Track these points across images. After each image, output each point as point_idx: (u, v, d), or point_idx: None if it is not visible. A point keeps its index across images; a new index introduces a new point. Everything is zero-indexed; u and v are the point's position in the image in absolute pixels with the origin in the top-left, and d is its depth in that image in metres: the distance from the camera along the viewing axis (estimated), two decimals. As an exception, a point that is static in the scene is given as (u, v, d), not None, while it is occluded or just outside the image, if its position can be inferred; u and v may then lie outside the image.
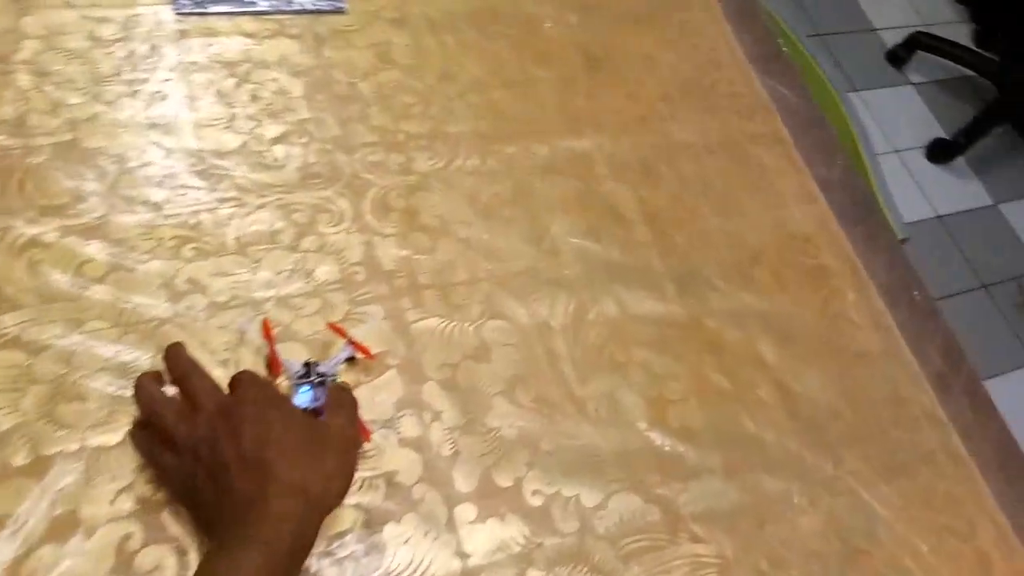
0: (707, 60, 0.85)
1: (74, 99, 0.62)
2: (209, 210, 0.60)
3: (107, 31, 0.65)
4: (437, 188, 0.67)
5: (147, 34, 0.66)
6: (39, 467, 0.48)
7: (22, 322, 0.52)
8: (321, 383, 0.52)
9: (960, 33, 2.31)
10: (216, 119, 0.64)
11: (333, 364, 0.54)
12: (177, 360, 0.51)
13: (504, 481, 0.56)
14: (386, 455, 0.54)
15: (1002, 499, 0.67)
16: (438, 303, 0.61)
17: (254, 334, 0.55)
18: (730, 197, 0.76)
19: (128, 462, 0.49)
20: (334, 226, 0.62)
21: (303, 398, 0.52)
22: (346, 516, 0.51)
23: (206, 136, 0.63)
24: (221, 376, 0.53)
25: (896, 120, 2.10)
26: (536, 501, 0.56)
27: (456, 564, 0.52)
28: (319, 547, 0.49)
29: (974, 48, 2.26)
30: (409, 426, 0.56)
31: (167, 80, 0.65)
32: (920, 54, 2.16)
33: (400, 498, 0.53)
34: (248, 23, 0.69)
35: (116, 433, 0.50)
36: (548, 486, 0.56)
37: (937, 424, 0.70)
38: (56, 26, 0.64)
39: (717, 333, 0.67)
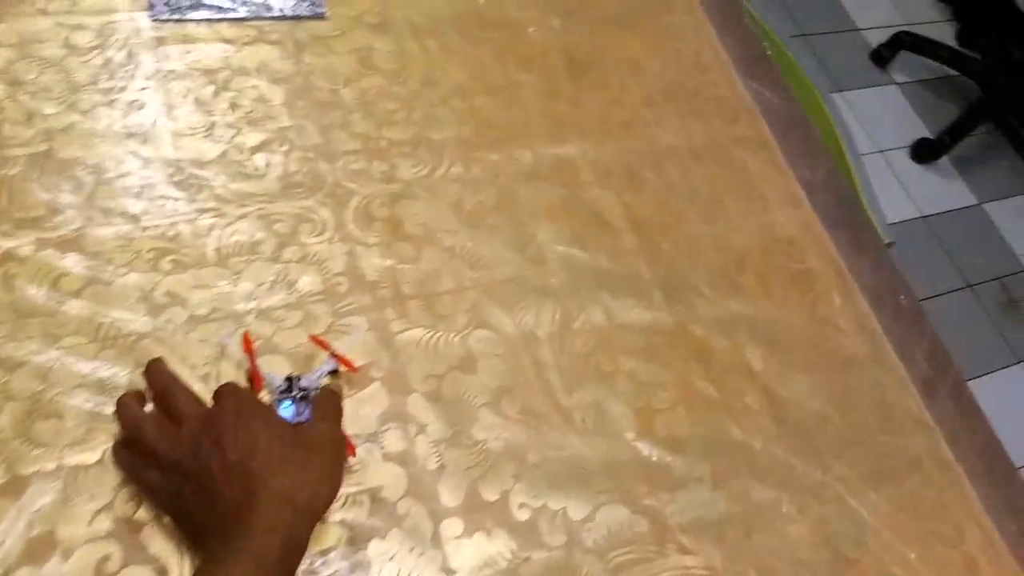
0: (691, 64, 0.85)
1: (49, 109, 0.61)
2: (188, 221, 0.59)
3: (83, 39, 0.65)
4: (421, 196, 0.66)
5: (124, 41, 0.65)
6: (15, 487, 0.47)
7: (-3, 338, 0.51)
8: (303, 398, 0.52)
9: (943, 32, 2.32)
10: (195, 128, 0.63)
11: (315, 378, 0.54)
12: (157, 376, 0.50)
13: (490, 495, 0.55)
14: (370, 470, 0.54)
15: (989, 504, 0.67)
16: (423, 313, 0.61)
17: (235, 348, 0.55)
18: (715, 202, 0.76)
19: (107, 481, 0.48)
20: (316, 236, 0.61)
21: (285, 413, 0.52)
22: (330, 533, 0.51)
23: (185, 145, 0.62)
24: (202, 390, 0.52)
25: (880, 120, 2.11)
26: (523, 515, 0.55)
27: (442, 580, 0.52)
28: (304, 565, 0.48)
29: (957, 48, 2.28)
30: (394, 440, 0.55)
31: (144, 88, 0.64)
32: (904, 54, 2.18)
33: (385, 514, 0.53)
34: (227, 29, 0.69)
35: (94, 451, 0.49)
36: (535, 499, 0.56)
37: (924, 429, 0.70)
38: (30, 34, 0.64)
39: (704, 340, 0.67)
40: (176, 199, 0.60)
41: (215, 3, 0.69)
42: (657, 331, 0.66)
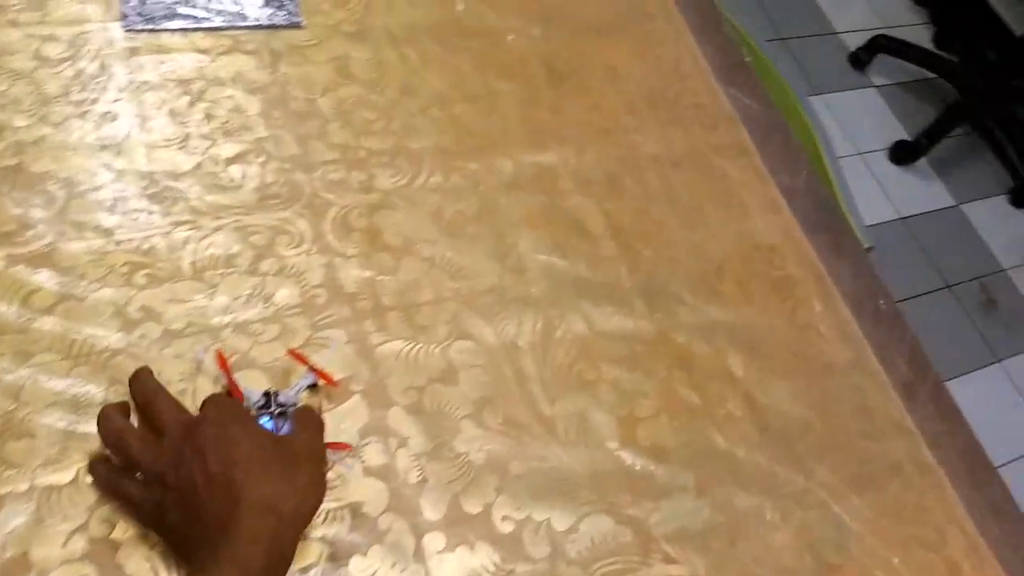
0: (671, 71, 0.85)
1: (20, 121, 0.60)
2: (163, 234, 0.58)
3: (54, 50, 0.64)
4: (400, 206, 0.66)
5: (96, 52, 0.65)
6: (-13, 509, 0.46)
7: (-34, 357, 0.50)
8: (282, 413, 0.52)
9: (920, 35, 2.35)
10: (169, 139, 0.63)
11: (294, 393, 0.53)
12: (141, 387, 0.50)
13: (473, 508, 0.55)
14: (351, 485, 0.53)
15: (971, 507, 0.68)
16: (402, 325, 0.61)
17: (210, 363, 0.54)
18: (695, 209, 0.76)
19: (81, 502, 0.48)
20: (294, 248, 0.61)
21: None
22: (311, 550, 0.50)
23: (159, 157, 0.62)
24: (178, 407, 0.52)
25: (859, 122, 2.13)
26: (506, 527, 0.55)
27: (425, 595, 0.51)
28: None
29: (934, 50, 2.30)
30: (374, 454, 0.55)
31: (117, 100, 0.63)
32: (881, 56, 2.20)
33: (366, 529, 0.52)
34: (201, 39, 0.68)
35: (68, 471, 0.48)
36: (518, 511, 0.56)
37: (905, 433, 0.71)
38: (0, 45, 0.63)
39: (686, 348, 0.67)
40: (150, 212, 0.59)
41: (189, 13, 0.69)
42: (639, 339, 0.66)
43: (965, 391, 1.72)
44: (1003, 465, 1.58)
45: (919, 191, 2.09)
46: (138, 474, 0.46)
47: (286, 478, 0.45)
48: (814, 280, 0.76)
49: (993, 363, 1.87)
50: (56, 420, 0.50)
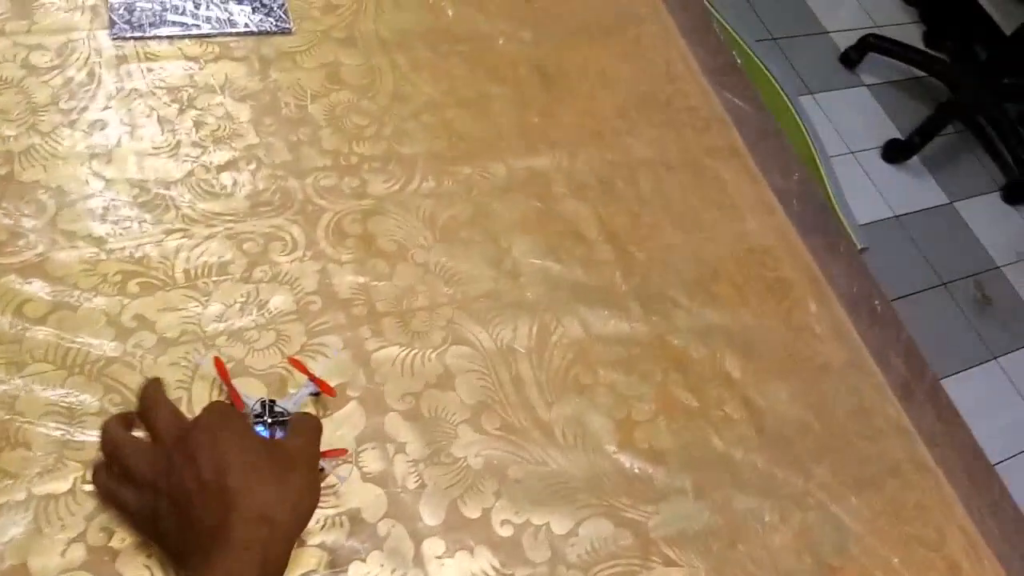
0: (662, 74, 0.87)
1: (8, 131, 0.61)
2: (155, 243, 0.59)
3: (41, 59, 0.64)
4: (393, 212, 0.67)
5: (84, 61, 0.65)
6: (-16, 520, 0.47)
7: (-40, 368, 0.51)
8: (278, 422, 0.52)
9: (911, 34, 2.38)
10: (159, 147, 0.63)
11: (293, 403, 0.54)
12: (144, 395, 0.50)
13: (472, 512, 0.56)
14: (349, 491, 0.54)
15: (970, 506, 0.69)
16: (398, 331, 0.62)
17: (208, 368, 0.55)
18: (689, 212, 0.78)
19: (79, 510, 0.48)
20: (287, 255, 0.62)
21: None
22: (309, 557, 0.51)
23: (149, 165, 0.62)
24: (174, 416, 0.52)
25: (851, 121, 2.16)
26: (505, 532, 0.56)
27: (425, 601, 0.52)
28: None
29: (924, 49, 2.34)
30: (372, 460, 0.56)
31: (106, 108, 0.64)
32: (872, 56, 2.23)
33: (365, 535, 0.53)
34: (190, 46, 0.69)
35: (65, 480, 0.49)
36: (517, 515, 0.57)
37: (903, 433, 0.72)
38: (-14, 54, 0.63)
39: (682, 351, 0.69)
40: (142, 220, 0.60)
41: (177, 20, 0.70)
42: (635, 342, 0.68)
43: (962, 389, 1.75)
44: (1000, 462, 1.60)
45: (912, 189, 2.12)
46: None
47: (279, 485, 0.45)
48: (809, 281, 0.78)
49: (989, 360, 1.89)
50: (52, 429, 0.50)
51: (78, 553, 0.47)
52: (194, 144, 0.64)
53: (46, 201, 0.59)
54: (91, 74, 0.65)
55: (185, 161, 0.63)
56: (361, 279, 0.63)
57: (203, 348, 0.56)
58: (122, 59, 0.67)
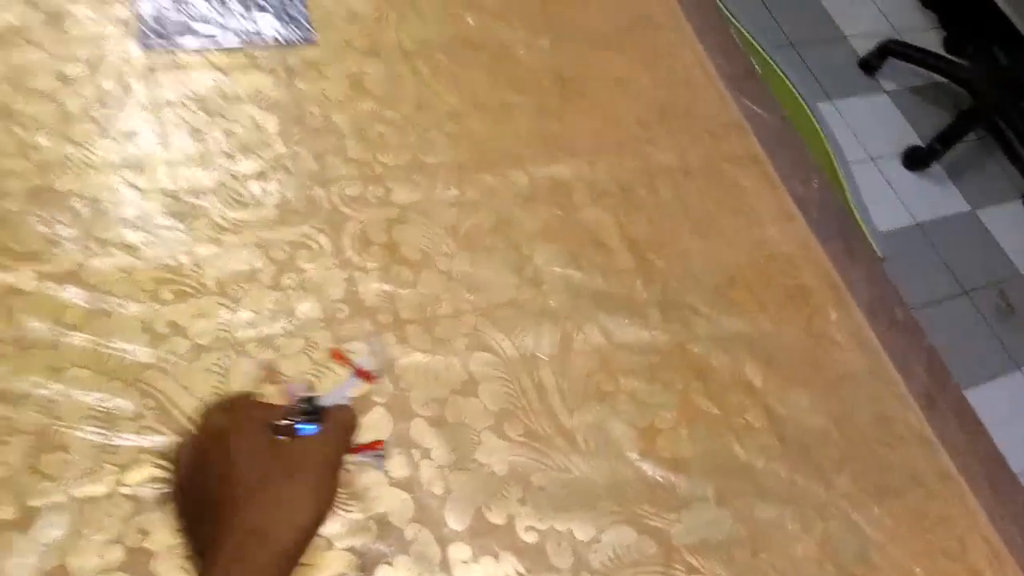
0: (680, 81, 0.89)
1: (43, 140, 0.63)
2: (186, 251, 0.62)
3: (74, 70, 0.67)
4: (417, 220, 0.69)
5: (115, 72, 0.68)
6: (25, 520, 0.49)
7: (2, 372, 0.53)
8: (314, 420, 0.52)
9: (930, 39, 2.40)
10: (190, 156, 0.66)
11: (336, 398, 0.51)
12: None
13: (497, 518, 0.58)
14: (376, 496, 0.56)
15: (992, 515, 0.71)
16: (422, 338, 0.64)
17: (248, 370, 0.57)
18: (709, 219, 0.79)
19: (116, 512, 0.51)
20: (314, 262, 0.64)
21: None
22: (338, 560, 0.53)
23: (180, 175, 0.65)
24: (206, 421, 0.55)
25: (871, 128, 2.17)
26: (530, 537, 0.58)
27: (452, 604, 0.54)
28: (313, 593, 0.51)
29: (944, 54, 2.35)
30: (398, 465, 0.58)
31: (138, 118, 0.67)
32: (892, 61, 2.25)
33: (392, 539, 0.55)
34: (218, 57, 0.72)
35: (103, 483, 0.51)
36: (541, 522, 0.59)
37: (924, 442, 0.73)
38: (21, 66, 0.66)
39: (703, 359, 0.70)
40: (174, 229, 0.62)
41: (205, 31, 0.72)
42: (656, 350, 0.69)
43: (985, 398, 1.75)
44: (1025, 473, 1.60)
45: (934, 196, 2.13)
46: None
47: (277, 500, 0.44)
48: (829, 288, 0.79)
49: (1014, 371, 1.90)
50: (90, 433, 0.53)
51: (116, 554, 0.50)
52: (223, 154, 0.67)
53: (81, 210, 0.61)
54: (122, 84, 0.68)
55: (215, 171, 0.66)
56: (386, 287, 0.65)
57: (234, 354, 0.58)
58: (152, 70, 0.69)
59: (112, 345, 0.56)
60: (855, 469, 0.69)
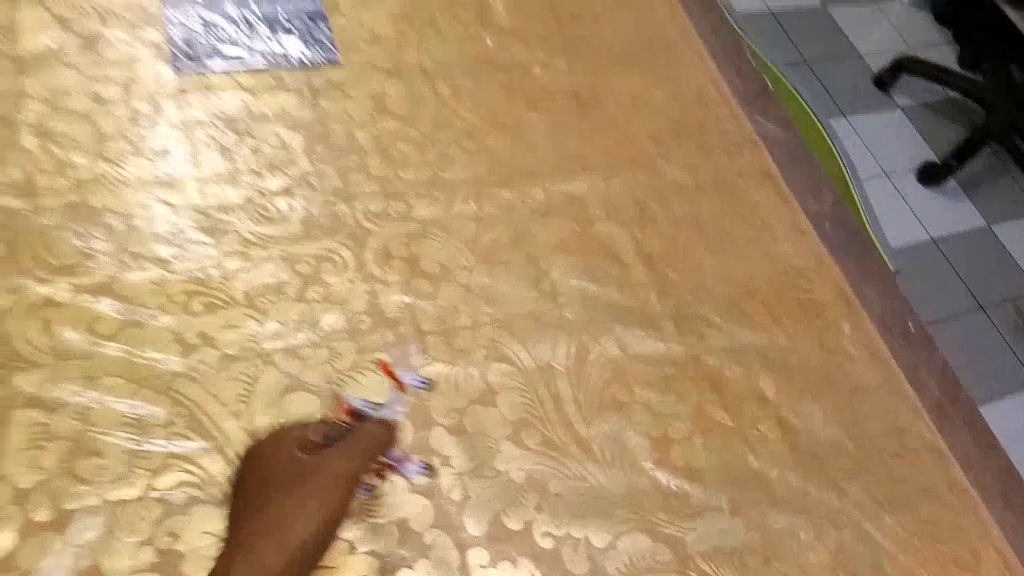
0: (694, 99, 0.90)
1: (79, 159, 0.66)
2: (216, 264, 0.64)
3: (108, 91, 0.70)
4: (437, 234, 0.71)
5: (148, 93, 0.71)
6: (61, 522, 0.51)
7: (39, 380, 0.55)
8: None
9: (944, 55, 2.40)
10: (219, 174, 0.68)
11: (387, 412, 0.50)
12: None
13: (514, 524, 0.59)
14: (397, 502, 0.58)
15: (1005, 527, 0.71)
16: (442, 349, 0.65)
17: (276, 380, 0.59)
18: (723, 234, 0.81)
19: (148, 515, 0.52)
20: (338, 276, 0.66)
21: None
22: (361, 564, 0.55)
23: (210, 191, 0.67)
24: (233, 427, 0.57)
25: (886, 144, 2.17)
26: (546, 543, 0.59)
27: (471, 608, 0.55)
28: (337, 595, 0.52)
29: (959, 70, 2.35)
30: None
31: (169, 137, 0.69)
32: (906, 78, 2.25)
33: (412, 544, 0.56)
34: (246, 78, 0.74)
35: (135, 487, 0.53)
36: (557, 528, 0.60)
37: (937, 454, 0.74)
38: (58, 87, 0.69)
39: (717, 370, 0.71)
40: (204, 243, 0.64)
41: (233, 54, 0.75)
42: (670, 362, 0.71)
43: (1002, 415, 1.74)
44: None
45: (949, 212, 2.12)
46: None
47: (284, 506, 0.44)
48: (842, 302, 0.80)
49: (1030, 387, 1.89)
50: (123, 440, 0.54)
51: (147, 556, 0.51)
52: (251, 171, 0.69)
53: (115, 225, 0.63)
54: (154, 105, 0.70)
55: (243, 187, 0.68)
56: (407, 299, 0.67)
57: (261, 364, 0.60)
58: (183, 91, 0.72)
59: (144, 355, 0.58)
60: (868, 480, 0.70)
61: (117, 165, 0.66)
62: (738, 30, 1.01)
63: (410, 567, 0.56)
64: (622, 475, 0.64)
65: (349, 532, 0.56)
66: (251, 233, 0.66)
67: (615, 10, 0.94)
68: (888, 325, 0.80)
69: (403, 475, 0.52)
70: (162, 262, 0.62)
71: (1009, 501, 0.73)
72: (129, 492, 0.53)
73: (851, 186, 1.26)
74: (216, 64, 0.74)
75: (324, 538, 0.44)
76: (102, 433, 0.54)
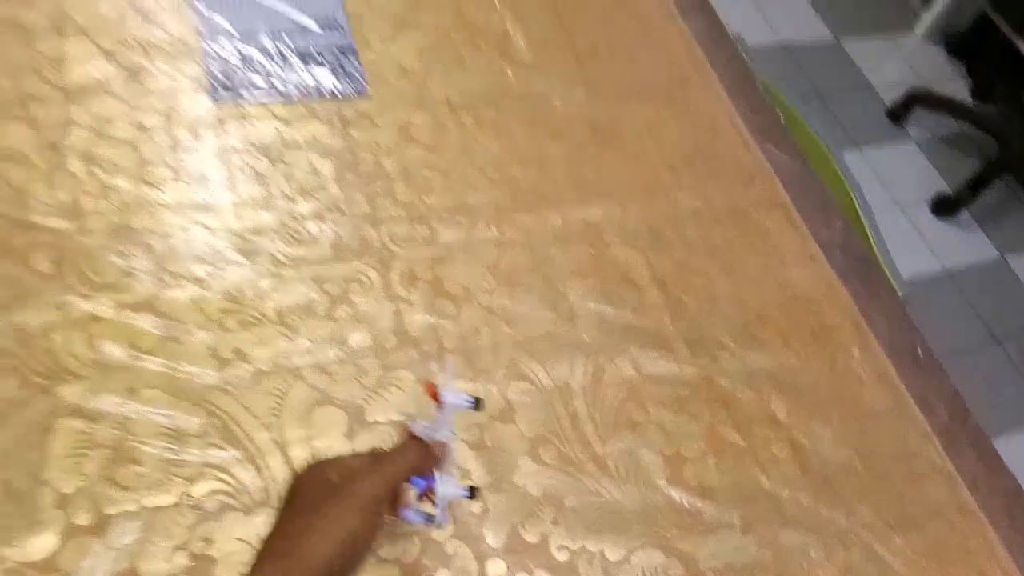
0: (708, 130, 0.93)
1: (122, 183, 0.69)
2: (250, 284, 0.66)
3: (150, 120, 0.73)
4: (460, 258, 0.73)
5: (187, 121, 0.74)
6: (101, 526, 0.53)
7: (83, 392, 0.58)
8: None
9: (957, 87, 2.42)
10: (253, 198, 0.71)
11: (438, 434, 0.52)
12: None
13: (531, 537, 0.61)
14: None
15: (1011, 547, 0.72)
16: (464, 367, 0.67)
17: (305, 395, 0.61)
18: (735, 260, 0.83)
19: (183, 521, 0.55)
20: (365, 296, 0.68)
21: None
22: (384, 572, 0.56)
23: (245, 215, 0.70)
24: (264, 439, 0.59)
25: (899, 176, 2.19)
26: (562, 556, 0.61)
27: (490, 616, 0.57)
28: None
29: (971, 103, 2.37)
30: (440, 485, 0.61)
31: (207, 163, 0.72)
32: (919, 110, 2.27)
33: (433, 553, 0.58)
34: (280, 108, 0.77)
35: (171, 494, 0.55)
36: (573, 541, 0.62)
37: (946, 477, 0.75)
38: (103, 115, 0.72)
39: (729, 392, 0.73)
40: (239, 264, 0.67)
41: (268, 86, 0.78)
42: (684, 383, 0.72)
43: (1018, 446, 1.73)
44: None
45: (963, 243, 2.13)
46: None
47: (303, 525, 0.45)
48: (852, 328, 0.82)
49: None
50: (161, 449, 0.57)
51: (182, 560, 0.53)
52: (284, 196, 0.72)
53: (155, 246, 0.66)
54: (194, 133, 0.73)
55: (276, 211, 0.71)
56: (430, 319, 0.69)
57: (291, 378, 0.62)
58: (221, 120, 0.75)
59: (182, 369, 0.61)
60: (877, 501, 0.71)
61: (158, 189, 0.69)
62: (750, 64, 1.03)
63: (431, 576, 0.57)
64: (636, 492, 0.65)
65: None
66: (283, 255, 0.68)
67: (632, 44, 0.97)
68: (897, 351, 0.82)
69: (438, 498, 0.51)
70: (199, 281, 0.65)
71: (1015, 523, 0.74)
72: (165, 499, 0.55)
73: (861, 216, 1.27)
74: (252, 95, 0.77)
75: (342, 560, 0.44)
76: (141, 442, 0.57)
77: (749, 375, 0.75)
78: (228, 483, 0.57)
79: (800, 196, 0.90)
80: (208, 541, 0.54)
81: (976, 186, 2.11)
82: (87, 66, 0.75)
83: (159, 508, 0.55)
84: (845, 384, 0.78)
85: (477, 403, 0.52)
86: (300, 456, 0.59)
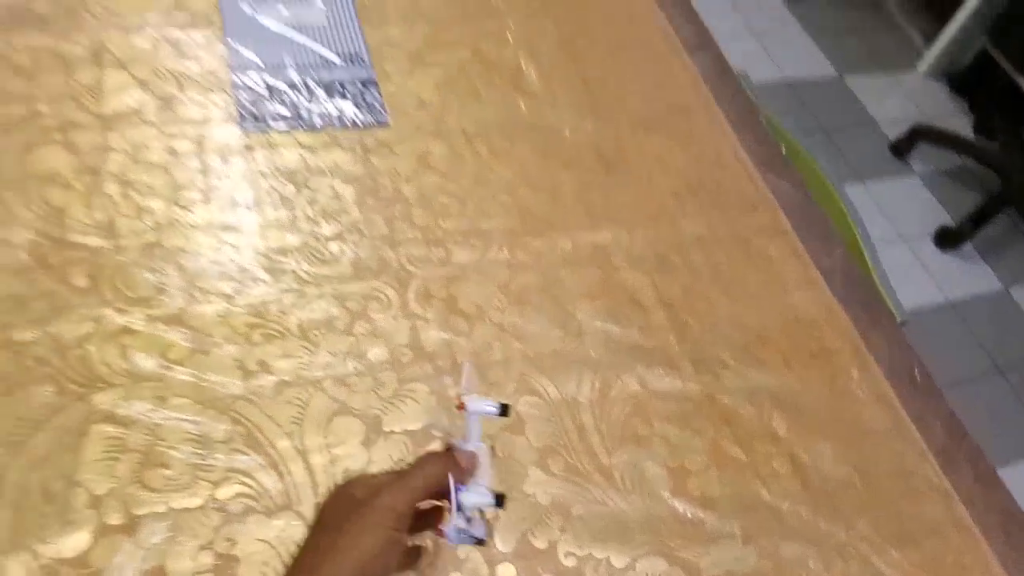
0: (712, 161, 0.96)
1: (155, 205, 0.72)
2: (274, 300, 0.69)
3: (183, 146, 0.76)
4: (473, 278, 0.76)
5: (217, 148, 0.77)
6: (131, 526, 0.56)
7: (115, 399, 0.60)
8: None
9: (960, 123, 2.45)
10: (279, 220, 0.74)
11: (467, 447, 0.52)
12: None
13: (540, 543, 0.63)
14: (433, 518, 0.61)
15: (1006, 562, 0.73)
16: (477, 381, 0.70)
17: (316, 408, 0.63)
18: (738, 284, 0.85)
19: (208, 522, 0.57)
20: (383, 313, 0.71)
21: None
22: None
23: (271, 236, 0.73)
24: (287, 447, 0.61)
25: (902, 209, 2.21)
26: (569, 562, 0.62)
27: (499, 618, 0.58)
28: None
29: (973, 138, 2.39)
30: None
31: (236, 187, 0.75)
32: (923, 145, 2.30)
33: (446, 557, 0.60)
34: (304, 137, 0.81)
35: (198, 497, 0.58)
36: (580, 548, 0.63)
37: (943, 495, 0.76)
38: (138, 141, 0.76)
39: (732, 409, 0.75)
40: (264, 281, 0.70)
41: (294, 115, 0.81)
42: (688, 399, 0.74)
43: (1021, 477, 1.73)
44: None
45: (966, 276, 2.14)
46: None
47: (322, 544, 0.46)
48: (851, 350, 0.84)
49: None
50: (188, 455, 0.59)
51: (207, 559, 0.56)
52: (308, 219, 0.75)
53: (185, 263, 0.69)
54: (223, 159, 0.77)
55: (300, 233, 0.74)
56: (445, 335, 0.71)
57: (312, 390, 0.65)
58: (249, 147, 0.78)
59: (209, 379, 0.63)
60: (876, 516, 0.72)
61: (188, 211, 0.73)
62: (754, 99, 1.06)
63: (443, 580, 0.59)
64: (641, 502, 0.67)
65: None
66: (306, 273, 0.71)
67: (639, 77, 1.01)
68: (896, 372, 0.83)
69: (466, 510, 0.51)
70: (227, 297, 0.68)
71: (1011, 539, 0.75)
72: (192, 501, 0.57)
73: (862, 245, 1.29)
74: (279, 124, 0.81)
75: (365, 569, 0.45)
76: (170, 447, 0.59)
77: (751, 393, 0.77)
78: (251, 487, 0.59)
79: (802, 225, 0.93)
80: (232, 541, 0.56)
81: (978, 219, 2.13)
82: (123, 95, 0.78)
83: (186, 510, 0.57)
84: (844, 404, 0.79)
85: (504, 409, 0.51)
86: (320, 463, 0.61)
